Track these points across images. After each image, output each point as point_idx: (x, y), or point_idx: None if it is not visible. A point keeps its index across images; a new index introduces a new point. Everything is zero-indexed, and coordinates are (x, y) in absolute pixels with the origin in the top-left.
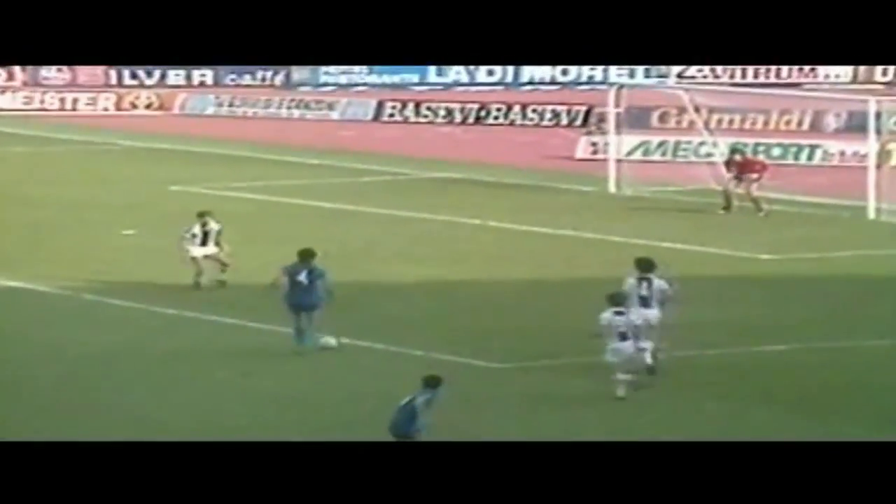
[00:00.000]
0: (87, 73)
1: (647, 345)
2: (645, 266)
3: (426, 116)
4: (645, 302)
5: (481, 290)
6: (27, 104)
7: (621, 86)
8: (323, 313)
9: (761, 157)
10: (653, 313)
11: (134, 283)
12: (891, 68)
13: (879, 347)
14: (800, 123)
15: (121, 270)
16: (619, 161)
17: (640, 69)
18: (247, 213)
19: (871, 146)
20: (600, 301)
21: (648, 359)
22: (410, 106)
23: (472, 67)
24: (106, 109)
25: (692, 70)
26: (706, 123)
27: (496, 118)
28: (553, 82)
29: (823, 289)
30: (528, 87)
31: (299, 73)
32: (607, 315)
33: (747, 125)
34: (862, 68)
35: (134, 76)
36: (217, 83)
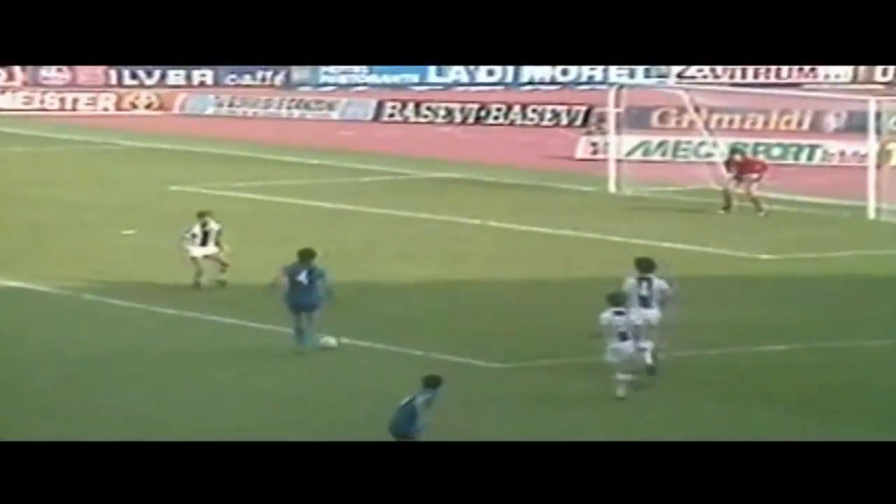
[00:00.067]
0: (87, 73)
1: (647, 345)
2: (645, 266)
3: (426, 116)
4: (645, 302)
5: (481, 290)
6: (27, 104)
7: (621, 86)
8: (323, 313)
9: (761, 157)
10: (653, 313)
11: (134, 283)
12: (891, 68)
13: (879, 347)
14: (800, 123)
15: (121, 270)
16: (619, 161)
17: (640, 69)
18: (247, 213)
19: (871, 146)
20: (600, 301)
21: (648, 359)
22: (410, 106)
23: (472, 67)
24: (106, 109)
25: (692, 70)
26: (706, 123)
27: (496, 118)
28: (553, 82)
29: (823, 289)
30: (528, 87)
31: (299, 73)
32: (607, 315)
33: (747, 125)
34: (862, 68)
35: (134, 76)
36: (217, 83)
